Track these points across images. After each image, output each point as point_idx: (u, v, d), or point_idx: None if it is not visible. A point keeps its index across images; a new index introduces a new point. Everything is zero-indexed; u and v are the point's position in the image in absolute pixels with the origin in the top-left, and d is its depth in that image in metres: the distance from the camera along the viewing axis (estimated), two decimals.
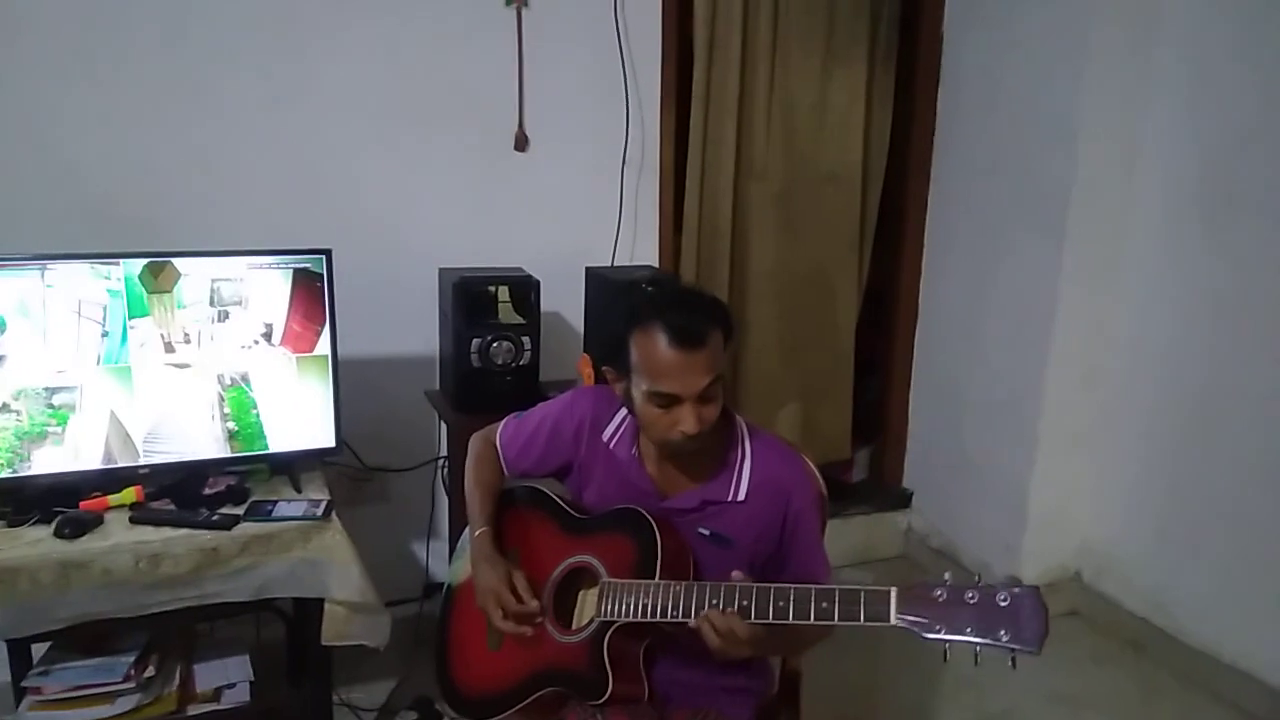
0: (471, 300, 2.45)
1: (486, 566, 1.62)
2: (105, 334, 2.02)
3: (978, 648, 1.23)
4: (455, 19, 2.68)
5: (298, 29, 2.53)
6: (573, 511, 1.70)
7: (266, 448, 2.19)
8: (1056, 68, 2.85)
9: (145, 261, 2.04)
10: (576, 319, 2.88)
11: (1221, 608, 2.72)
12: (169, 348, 2.08)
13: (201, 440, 2.13)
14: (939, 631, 1.24)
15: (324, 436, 2.24)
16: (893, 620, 1.28)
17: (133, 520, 1.96)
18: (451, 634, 1.77)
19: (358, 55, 2.60)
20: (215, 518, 1.99)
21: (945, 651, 1.25)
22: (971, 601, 1.24)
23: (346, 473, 2.66)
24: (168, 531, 1.94)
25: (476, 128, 2.77)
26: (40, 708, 1.96)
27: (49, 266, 1.96)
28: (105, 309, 2.01)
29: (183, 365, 2.10)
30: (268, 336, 2.15)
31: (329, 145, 2.62)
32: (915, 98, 3.34)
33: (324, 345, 2.20)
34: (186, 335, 2.09)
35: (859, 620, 1.31)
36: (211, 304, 2.10)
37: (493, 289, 2.48)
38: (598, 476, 1.70)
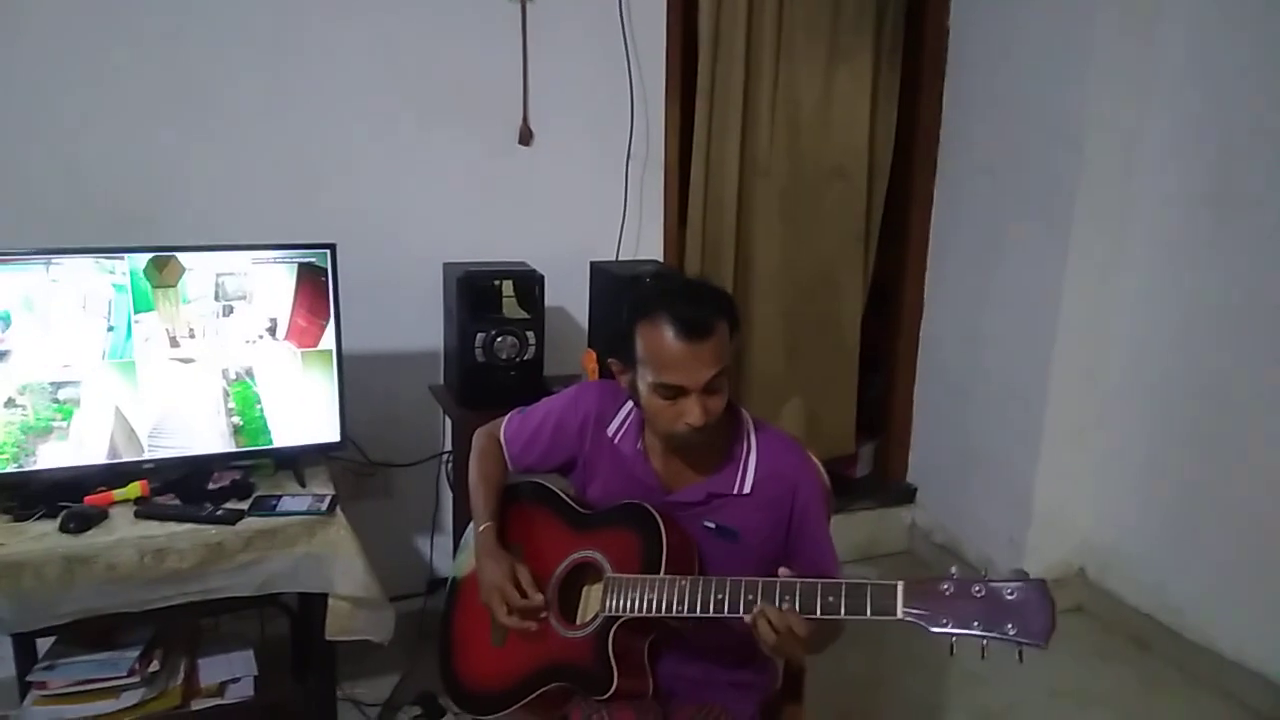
0: (476, 295, 2.45)
1: (490, 562, 1.62)
2: (110, 329, 2.02)
3: (984, 642, 1.22)
4: (460, 13, 2.67)
5: (301, 23, 2.53)
6: (577, 506, 1.70)
7: (271, 443, 2.19)
8: (1062, 63, 2.84)
9: (150, 256, 2.03)
10: (581, 314, 2.88)
11: (1225, 603, 2.72)
12: (174, 342, 2.08)
13: (206, 435, 2.13)
14: (946, 625, 1.24)
15: (329, 431, 2.24)
16: (900, 614, 1.27)
17: (137, 515, 1.96)
18: (455, 629, 1.77)
19: (362, 50, 2.60)
20: (220, 513, 1.99)
21: (952, 645, 1.24)
22: (978, 595, 1.24)
23: (351, 468, 2.66)
24: (172, 526, 1.94)
25: (481, 122, 2.77)
26: (45, 702, 1.96)
27: (54, 261, 1.96)
28: (110, 303, 2.01)
29: (187, 360, 2.09)
30: (272, 331, 2.15)
31: (334, 140, 2.62)
32: (920, 92, 3.34)
33: (328, 340, 2.20)
34: (191, 330, 2.08)
35: (866, 614, 1.30)
36: (216, 299, 2.09)
37: (497, 283, 2.48)
38: (602, 471, 1.70)
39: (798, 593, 1.35)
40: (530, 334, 2.48)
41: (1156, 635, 2.91)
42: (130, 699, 1.99)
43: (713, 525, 1.59)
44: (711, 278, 2.22)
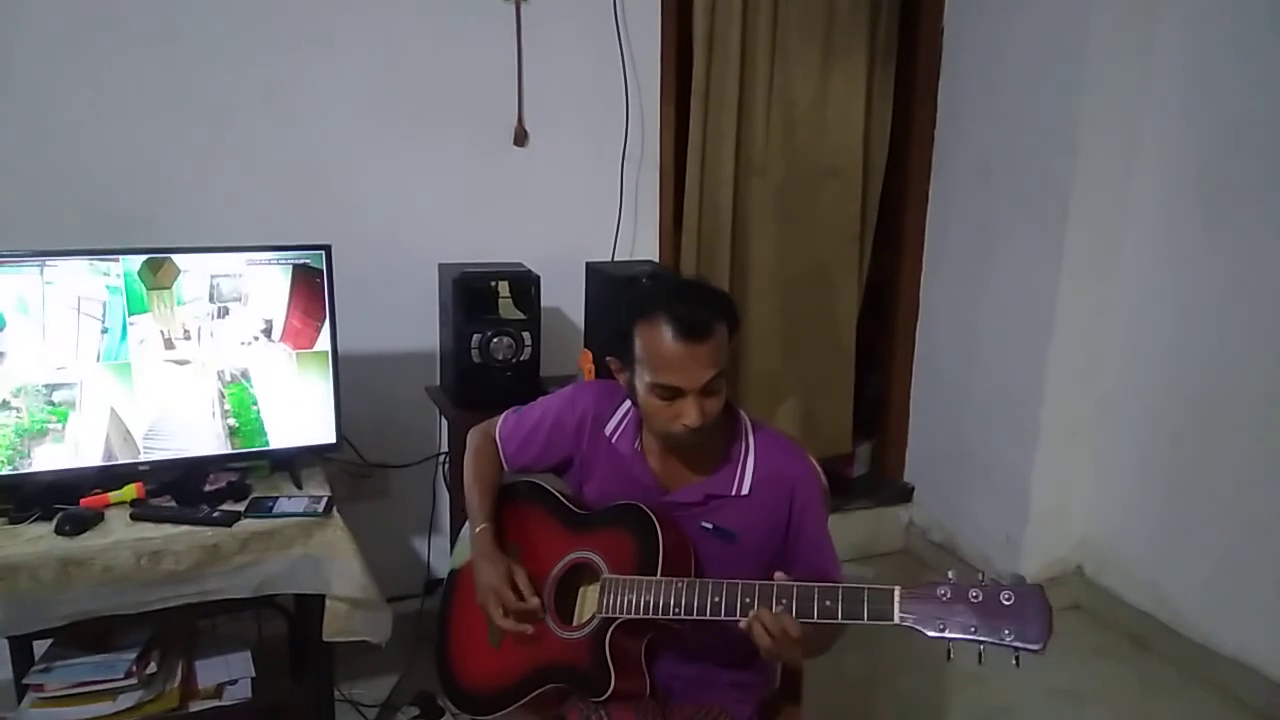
0: (472, 295, 2.45)
1: (487, 564, 1.61)
2: (105, 330, 2.01)
3: (981, 646, 1.22)
4: (455, 13, 2.67)
5: (296, 24, 2.52)
6: (573, 507, 1.69)
7: (267, 444, 2.19)
8: (1057, 61, 2.84)
9: (144, 258, 2.03)
10: (577, 314, 2.87)
11: (1223, 601, 2.72)
12: (169, 344, 2.07)
13: (202, 437, 2.13)
14: (943, 630, 1.24)
15: (324, 432, 2.23)
16: (896, 619, 1.27)
17: (133, 517, 1.96)
18: (453, 629, 1.77)
19: (357, 50, 2.59)
20: (216, 514, 1.98)
21: (949, 650, 1.24)
22: (975, 600, 1.24)
23: (347, 469, 2.66)
24: (168, 528, 1.93)
25: (476, 123, 2.76)
26: (42, 704, 1.96)
27: (48, 263, 1.95)
28: (105, 305, 2.00)
29: (183, 362, 2.09)
30: (267, 333, 2.15)
31: (328, 141, 2.61)
32: (915, 93, 3.34)
33: (324, 341, 2.19)
34: (186, 331, 2.08)
35: (863, 619, 1.30)
36: (211, 300, 2.09)
37: (493, 284, 2.48)
38: (599, 471, 1.70)
39: (794, 596, 1.35)
40: (526, 334, 2.48)
41: (1154, 633, 2.91)
42: (127, 701, 1.98)
43: (710, 526, 1.58)
44: (710, 278, 2.22)
